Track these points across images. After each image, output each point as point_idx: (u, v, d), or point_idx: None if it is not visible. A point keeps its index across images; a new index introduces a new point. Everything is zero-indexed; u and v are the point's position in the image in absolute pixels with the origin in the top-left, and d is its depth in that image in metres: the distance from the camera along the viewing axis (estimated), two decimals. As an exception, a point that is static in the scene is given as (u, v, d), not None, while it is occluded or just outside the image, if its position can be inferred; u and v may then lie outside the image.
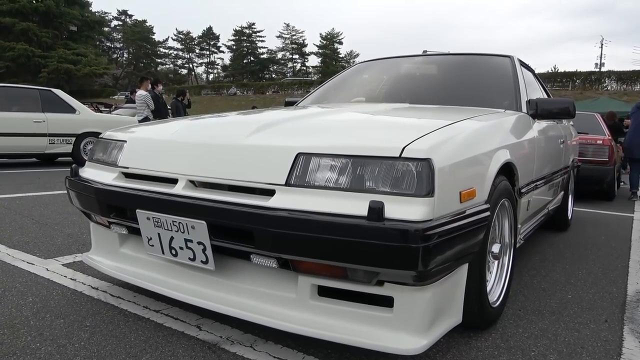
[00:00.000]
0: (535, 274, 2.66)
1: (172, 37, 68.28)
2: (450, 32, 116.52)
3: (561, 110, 2.51)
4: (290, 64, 71.07)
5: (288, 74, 64.91)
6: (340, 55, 66.49)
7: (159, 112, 8.47)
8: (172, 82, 55.09)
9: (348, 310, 1.45)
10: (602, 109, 10.97)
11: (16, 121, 7.02)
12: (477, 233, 1.50)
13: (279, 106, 3.60)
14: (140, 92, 8.38)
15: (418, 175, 1.30)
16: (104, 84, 45.20)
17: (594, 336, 1.85)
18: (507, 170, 1.93)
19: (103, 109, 16.75)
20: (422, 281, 1.34)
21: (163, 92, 11.19)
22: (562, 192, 3.64)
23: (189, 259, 1.60)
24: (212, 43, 70.11)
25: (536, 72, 3.65)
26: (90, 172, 1.97)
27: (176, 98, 10.06)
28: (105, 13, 58.09)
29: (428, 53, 3.62)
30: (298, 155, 1.45)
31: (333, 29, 70.24)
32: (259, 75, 65.72)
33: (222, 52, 71.51)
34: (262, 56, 68.42)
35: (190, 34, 68.44)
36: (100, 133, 2.56)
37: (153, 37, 62.69)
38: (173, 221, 1.56)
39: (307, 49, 69.66)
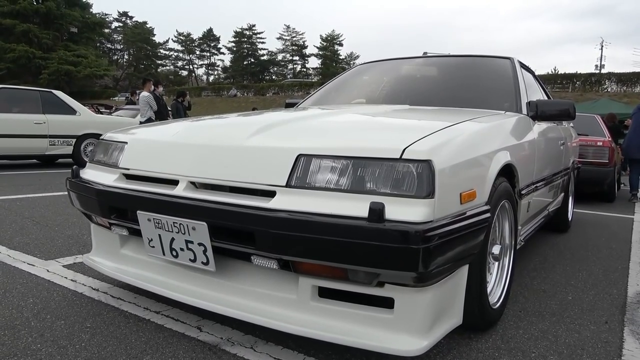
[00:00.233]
0: (536, 275, 2.66)
1: (172, 39, 68.64)
2: (450, 33, 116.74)
3: (561, 112, 2.52)
4: (290, 66, 71.19)
5: (288, 76, 64.96)
6: (341, 57, 66.67)
7: (160, 114, 8.48)
8: (173, 84, 55.18)
9: (348, 312, 1.45)
10: (602, 110, 10.95)
11: (17, 123, 7.03)
12: (478, 234, 1.50)
13: (279, 108, 3.60)
14: (143, 94, 8.39)
15: (418, 177, 1.31)
16: (105, 86, 45.25)
17: (594, 337, 1.85)
18: (508, 172, 1.93)
19: (103, 110, 16.74)
20: (422, 282, 1.34)
21: (163, 93, 11.21)
22: (563, 194, 3.64)
23: (190, 260, 1.60)
24: (212, 45, 70.27)
25: (536, 73, 3.65)
26: (91, 174, 1.97)
27: (176, 99, 10.06)
28: (106, 14, 58.31)
29: (428, 55, 3.62)
30: (299, 156, 1.45)
31: (333, 30, 70.84)
32: (259, 77, 65.82)
33: (223, 53, 71.79)
34: (262, 58, 68.57)
35: (191, 36, 68.69)
36: (100, 134, 2.56)
37: (153, 38, 62.88)
38: (174, 222, 1.56)
39: (307, 51, 69.96)
